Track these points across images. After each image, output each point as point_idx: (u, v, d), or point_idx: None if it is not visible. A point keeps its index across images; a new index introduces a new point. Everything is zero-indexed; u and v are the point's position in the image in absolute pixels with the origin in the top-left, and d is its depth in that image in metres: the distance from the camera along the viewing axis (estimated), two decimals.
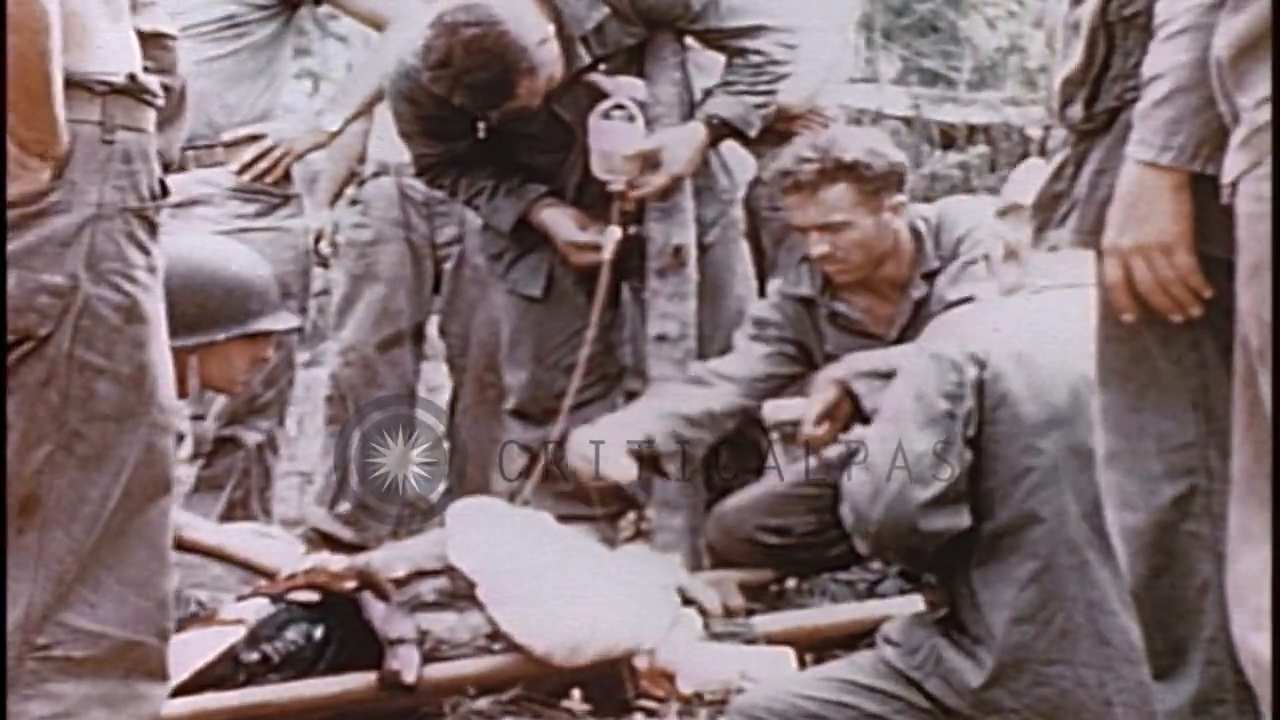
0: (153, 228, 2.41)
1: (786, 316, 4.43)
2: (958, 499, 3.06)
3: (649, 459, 4.32)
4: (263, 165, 4.68)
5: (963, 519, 3.07)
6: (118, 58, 2.39)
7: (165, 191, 2.44)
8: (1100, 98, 2.45)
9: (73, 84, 2.31)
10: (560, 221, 4.59)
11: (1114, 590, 2.98)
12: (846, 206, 4.20)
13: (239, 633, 3.54)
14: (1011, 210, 3.36)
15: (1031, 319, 3.19)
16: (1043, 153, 5.92)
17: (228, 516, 4.58)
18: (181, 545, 3.68)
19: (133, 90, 2.40)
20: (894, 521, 3.06)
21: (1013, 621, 3.04)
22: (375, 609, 3.59)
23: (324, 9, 4.97)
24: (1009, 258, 3.33)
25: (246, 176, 4.68)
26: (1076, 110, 2.47)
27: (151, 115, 2.43)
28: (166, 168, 2.51)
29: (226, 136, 4.67)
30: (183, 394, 3.76)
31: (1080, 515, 3.03)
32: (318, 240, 5.30)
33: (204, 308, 3.74)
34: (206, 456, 4.73)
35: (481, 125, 4.54)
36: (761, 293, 4.88)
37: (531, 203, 4.60)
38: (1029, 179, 3.38)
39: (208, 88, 4.50)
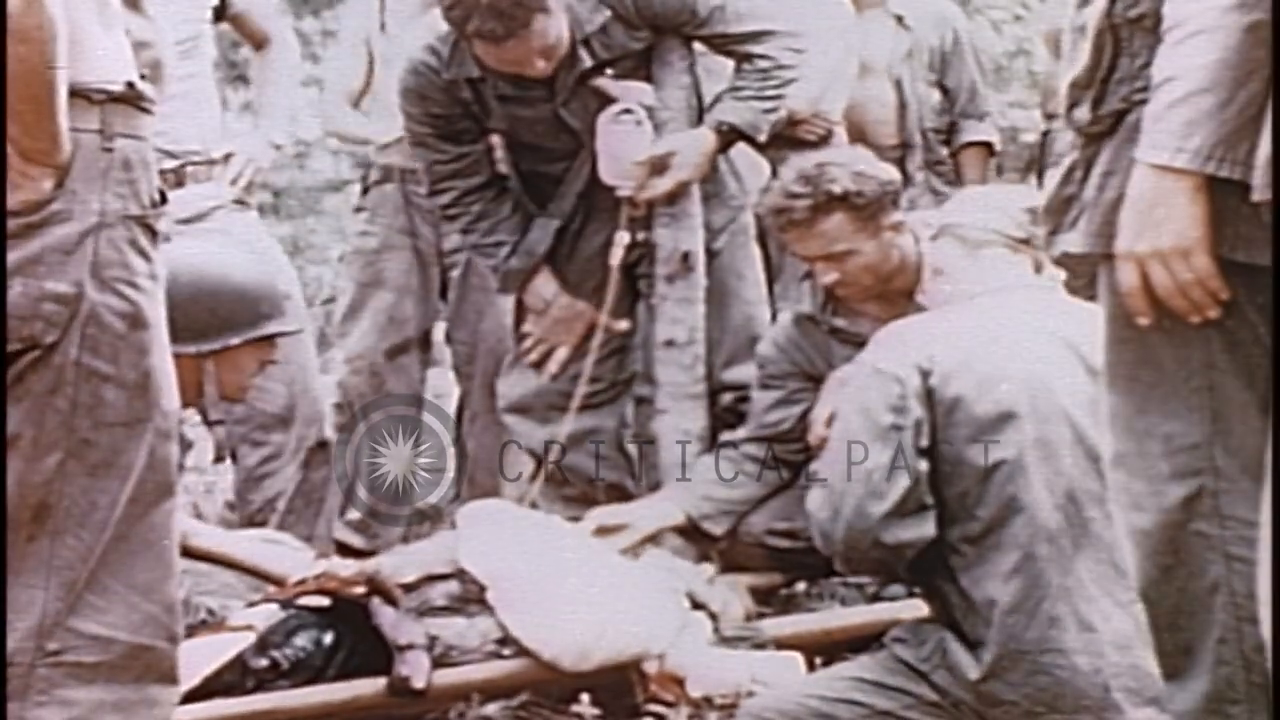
0: (153, 234, 2.43)
1: (785, 350, 4.43)
2: (920, 509, 3.10)
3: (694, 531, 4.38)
4: (243, 181, 4.78)
5: (927, 528, 3.10)
6: (114, 66, 2.41)
7: (164, 199, 2.45)
8: (1107, 100, 2.45)
9: (72, 93, 2.32)
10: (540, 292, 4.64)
11: (1091, 577, 3.03)
12: (847, 235, 4.20)
13: (248, 639, 3.54)
14: (941, 232, 3.42)
15: (971, 324, 3.24)
16: (1042, 156, 5.92)
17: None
18: (191, 552, 3.70)
19: (130, 98, 2.41)
20: (857, 537, 3.10)
21: (1004, 613, 3.07)
22: (385, 614, 3.59)
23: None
24: (938, 275, 3.39)
25: (238, 189, 4.77)
26: (1083, 112, 2.47)
27: (149, 122, 2.44)
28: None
29: (216, 153, 4.74)
30: (198, 399, 3.78)
31: (1054, 505, 3.08)
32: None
33: (215, 313, 3.75)
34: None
35: (490, 126, 4.56)
36: (770, 296, 4.89)
37: (536, 265, 4.63)
38: (962, 206, 3.48)
39: (186, 107, 4.57)
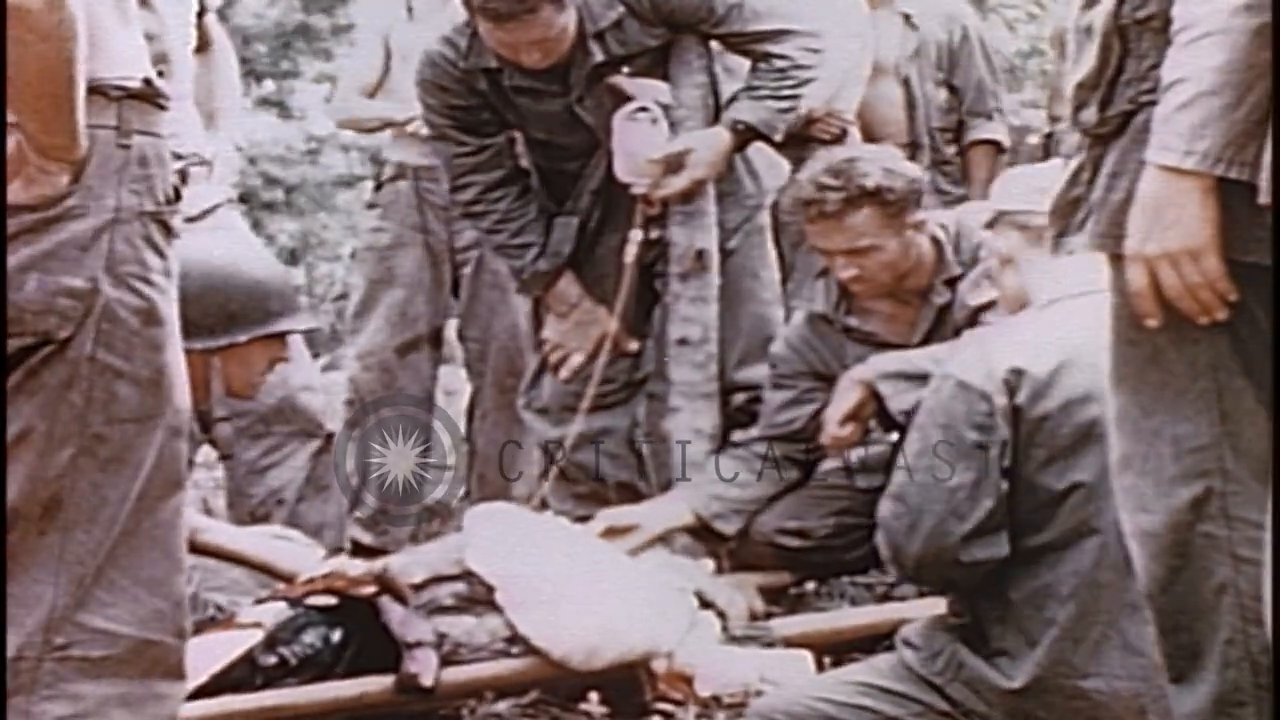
0: (168, 231, 2.44)
1: (798, 349, 4.43)
2: (997, 528, 3.02)
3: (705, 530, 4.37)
4: (230, 181, 4.93)
5: (1002, 547, 3.03)
6: (131, 62, 2.41)
7: (179, 195, 2.46)
8: (1114, 101, 2.44)
9: (90, 89, 2.33)
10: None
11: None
12: (873, 231, 4.19)
13: (257, 636, 3.55)
14: (998, 219, 3.34)
15: (1057, 336, 3.12)
16: (1046, 155, 5.91)
17: None
18: (200, 548, 3.70)
19: (147, 94, 2.41)
20: (934, 555, 3.04)
21: (1058, 636, 3.02)
22: (393, 612, 3.59)
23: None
24: (1006, 265, 3.31)
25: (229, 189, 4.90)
26: (1091, 114, 2.47)
27: (165, 118, 2.45)
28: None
29: (207, 153, 4.78)
30: (206, 396, 3.79)
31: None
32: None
33: (225, 309, 3.75)
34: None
35: (508, 120, 4.57)
36: (783, 294, 4.88)
37: (561, 267, 4.63)
38: (1010, 188, 3.39)
39: (188, 109, 4.62)
